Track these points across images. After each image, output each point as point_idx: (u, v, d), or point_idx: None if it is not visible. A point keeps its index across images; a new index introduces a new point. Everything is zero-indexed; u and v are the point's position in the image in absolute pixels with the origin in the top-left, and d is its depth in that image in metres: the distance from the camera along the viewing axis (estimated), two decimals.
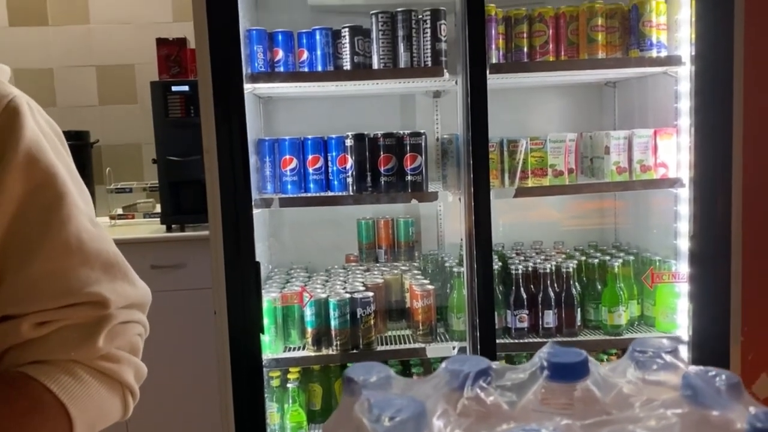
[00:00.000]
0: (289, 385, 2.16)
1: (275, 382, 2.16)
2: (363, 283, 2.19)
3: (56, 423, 0.74)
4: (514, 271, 2.17)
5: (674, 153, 2.12)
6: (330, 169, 2.17)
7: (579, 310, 2.19)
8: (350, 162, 2.11)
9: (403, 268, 2.35)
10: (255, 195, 1.99)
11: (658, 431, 0.47)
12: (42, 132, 0.80)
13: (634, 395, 0.56)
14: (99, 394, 0.78)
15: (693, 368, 0.56)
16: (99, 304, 0.77)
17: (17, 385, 0.73)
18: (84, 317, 0.77)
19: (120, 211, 3.26)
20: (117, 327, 0.79)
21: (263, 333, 1.95)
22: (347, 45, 2.07)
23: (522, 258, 2.29)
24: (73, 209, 0.78)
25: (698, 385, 0.53)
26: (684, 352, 2.10)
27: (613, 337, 2.16)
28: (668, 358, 0.59)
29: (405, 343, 2.15)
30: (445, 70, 2.02)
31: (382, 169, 2.10)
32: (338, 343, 2.08)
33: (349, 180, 2.12)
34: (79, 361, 0.77)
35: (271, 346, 2.09)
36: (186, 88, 2.88)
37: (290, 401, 2.17)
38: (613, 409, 0.55)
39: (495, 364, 0.60)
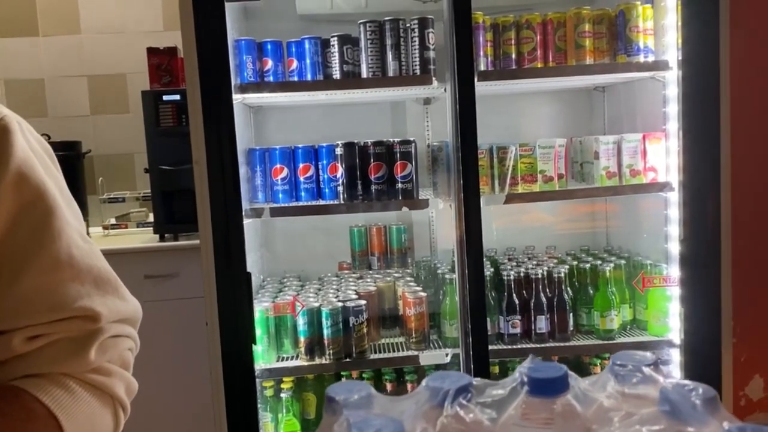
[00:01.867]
0: (282, 395, 2.16)
1: (269, 392, 2.16)
2: (356, 291, 2.19)
3: None
4: (506, 277, 2.18)
5: (663, 157, 2.13)
6: (321, 178, 2.18)
7: (571, 314, 2.19)
8: (341, 170, 2.12)
9: (396, 275, 2.35)
10: (246, 205, 1.99)
11: None
12: (32, 150, 0.81)
13: (614, 409, 0.57)
14: (90, 407, 0.79)
15: (670, 382, 0.56)
16: (90, 318, 0.79)
17: (9, 398, 0.74)
18: (75, 331, 0.78)
19: (113, 220, 3.25)
20: (108, 341, 0.81)
21: (255, 343, 1.95)
22: (336, 54, 2.08)
23: (514, 263, 2.30)
24: (64, 225, 0.80)
25: (675, 399, 0.53)
26: (676, 355, 2.10)
27: (605, 342, 2.17)
28: (647, 371, 0.60)
29: (398, 350, 2.16)
30: (433, 78, 2.02)
31: (372, 177, 2.10)
32: (331, 351, 2.08)
33: (340, 188, 2.13)
34: (71, 374, 0.78)
35: (263, 356, 2.09)
36: (177, 97, 2.88)
37: (284, 411, 2.16)
38: (593, 424, 0.56)
39: (476, 381, 0.60)
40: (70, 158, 3.13)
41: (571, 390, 0.58)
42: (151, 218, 3.15)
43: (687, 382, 0.56)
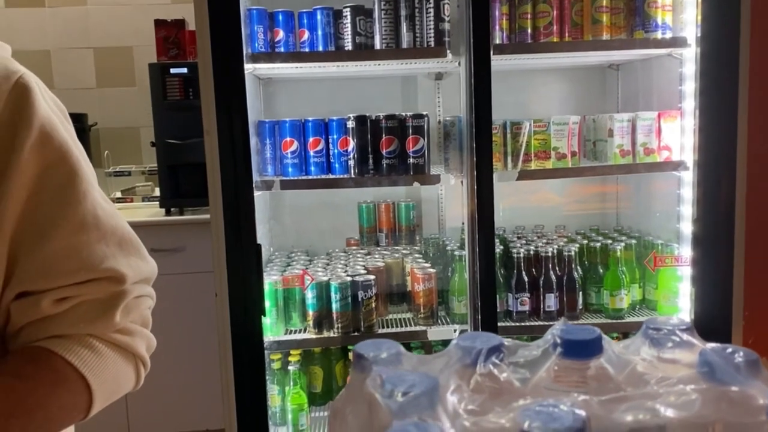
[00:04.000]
0: (290, 368, 2.16)
1: (276, 365, 2.16)
2: (364, 266, 2.18)
3: (78, 395, 0.76)
4: (515, 255, 2.17)
5: (678, 136, 2.11)
6: (331, 152, 2.15)
7: (581, 293, 2.18)
8: (352, 144, 2.09)
9: (404, 251, 2.34)
10: (256, 177, 1.97)
11: (677, 407, 0.46)
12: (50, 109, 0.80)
13: (649, 373, 0.56)
14: (115, 366, 0.81)
15: (710, 345, 0.55)
16: (115, 280, 0.79)
17: (40, 360, 0.75)
18: (101, 293, 0.79)
19: (119, 194, 3.24)
20: (131, 302, 0.82)
21: (264, 315, 1.94)
22: (349, 25, 2.04)
23: (524, 242, 2.28)
24: (88, 186, 0.80)
25: (716, 362, 0.52)
26: None
27: (614, 321, 2.16)
28: (684, 336, 0.58)
29: (406, 326, 2.15)
30: (448, 51, 1.99)
31: (383, 152, 2.08)
32: (339, 325, 2.07)
33: (351, 162, 2.11)
34: (96, 335, 0.79)
35: (272, 329, 2.09)
36: (185, 70, 2.85)
37: (291, 383, 2.16)
38: (627, 387, 0.54)
39: (507, 341, 0.59)
40: (76, 131, 3.08)
41: (604, 353, 0.56)
42: (157, 192, 3.14)
43: (727, 345, 0.55)
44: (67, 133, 0.80)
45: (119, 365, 0.82)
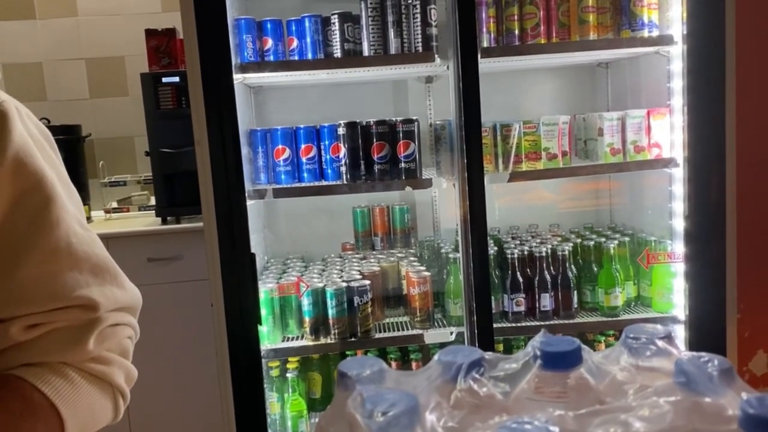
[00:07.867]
0: (288, 375, 2.17)
1: (275, 372, 2.17)
2: (359, 271, 2.19)
3: (48, 424, 0.74)
4: (510, 255, 2.17)
5: (668, 133, 2.12)
6: (323, 158, 2.16)
7: (575, 292, 2.19)
8: (343, 150, 2.10)
9: (399, 255, 2.35)
10: (248, 186, 1.98)
11: (650, 420, 0.47)
12: (31, 136, 0.79)
13: (628, 382, 0.57)
14: (90, 396, 0.79)
15: (686, 354, 0.56)
16: (88, 308, 0.77)
17: (9, 387, 0.73)
18: (74, 320, 0.77)
19: (115, 204, 3.24)
20: (107, 330, 0.80)
21: (261, 324, 1.95)
22: (337, 32, 2.05)
23: (518, 242, 2.29)
24: (62, 213, 0.78)
25: (691, 371, 0.52)
26: (681, 331, 2.11)
27: (609, 319, 2.17)
28: (661, 344, 0.59)
29: (403, 329, 2.16)
30: (436, 56, 2.00)
31: (375, 157, 2.09)
32: (336, 331, 2.08)
33: (343, 168, 2.11)
34: (70, 363, 0.77)
35: (269, 337, 2.10)
36: (176, 79, 2.85)
37: (290, 390, 2.17)
38: (606, 397, 0.55)
39: (488, 355, 0.60)
40: (71, 142, 3.11)
41: (584, 363, 0.57)
42: (152, 201, 3.14)
43: (702, 354, 0.56)
44: (47, 159, 0.80)
45: (94, 395, 0.79)
